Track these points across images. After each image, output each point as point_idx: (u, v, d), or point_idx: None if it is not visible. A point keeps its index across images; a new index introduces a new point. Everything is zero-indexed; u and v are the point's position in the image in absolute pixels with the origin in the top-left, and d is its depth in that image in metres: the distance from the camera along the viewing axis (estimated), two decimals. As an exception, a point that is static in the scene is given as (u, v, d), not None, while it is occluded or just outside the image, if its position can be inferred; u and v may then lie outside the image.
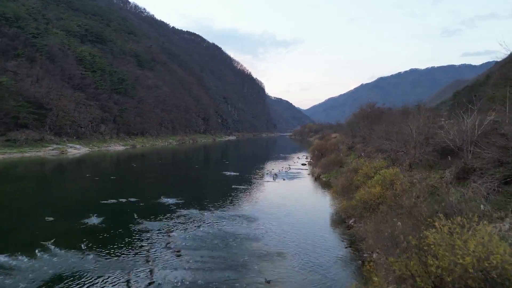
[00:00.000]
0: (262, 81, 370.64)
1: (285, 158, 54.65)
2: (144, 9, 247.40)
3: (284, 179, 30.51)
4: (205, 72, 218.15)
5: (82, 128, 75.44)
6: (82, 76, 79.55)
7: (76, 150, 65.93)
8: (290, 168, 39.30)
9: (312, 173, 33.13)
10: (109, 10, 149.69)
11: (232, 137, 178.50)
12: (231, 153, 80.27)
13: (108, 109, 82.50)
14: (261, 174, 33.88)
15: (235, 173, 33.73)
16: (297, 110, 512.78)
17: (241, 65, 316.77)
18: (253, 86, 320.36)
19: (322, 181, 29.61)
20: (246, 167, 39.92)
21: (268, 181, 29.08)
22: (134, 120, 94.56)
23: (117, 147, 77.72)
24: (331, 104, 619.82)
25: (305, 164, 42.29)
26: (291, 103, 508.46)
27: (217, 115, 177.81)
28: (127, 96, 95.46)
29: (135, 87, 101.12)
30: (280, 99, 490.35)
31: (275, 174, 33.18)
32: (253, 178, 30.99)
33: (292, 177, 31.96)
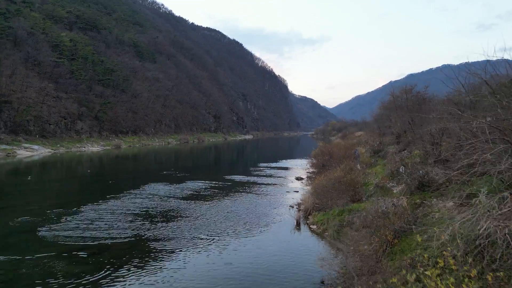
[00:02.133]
0: (287, 79, 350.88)
1: (284, 166, 38.02)
2: (162, 5, 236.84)
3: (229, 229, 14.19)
4: (222, 68, 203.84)
5: (50, 125, 61.97)
6: (55, 64, 66.15)
7: (31, 152, 52.26)
8: (273, 188, 22.81)
9: (298, 206, 16.58)
10: (118, 2, 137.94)
11: (248, 136, 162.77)
12: (225, 156, 64.27)
13: (87, 103, 68.78)
14: (206, 205, 17.80)
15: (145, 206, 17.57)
16: (323, 109, 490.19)
17: (263, 62, 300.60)
18: (275, 84, 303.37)
19: (310, 229, 13.18)
20: (199, 184, 23.89)
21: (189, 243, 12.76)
22: (125, 116, 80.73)
23: (93, 148, 63.84)
24: (358, 102, 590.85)
25: (301, 179, 25.53)
26: (316, 101, 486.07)
27: (232, 113, 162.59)
28: (117, 89, 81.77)
29: (129, 79, 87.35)
30: (305, 97, 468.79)
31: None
32: (167, 218, 14.90)
33: (259, 216, 15.54)
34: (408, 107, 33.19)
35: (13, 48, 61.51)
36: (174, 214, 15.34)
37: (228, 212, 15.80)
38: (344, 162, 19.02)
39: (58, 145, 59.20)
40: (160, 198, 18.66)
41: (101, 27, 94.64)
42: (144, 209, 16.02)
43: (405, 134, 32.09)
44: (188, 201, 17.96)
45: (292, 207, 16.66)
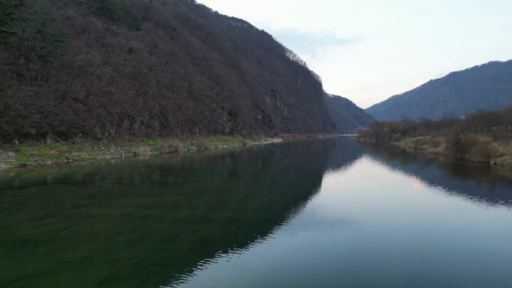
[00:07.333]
0: (320, 77, 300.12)
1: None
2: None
3: None
4: (248, 59, 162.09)
5: None
6: None
7: None
8: None
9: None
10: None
11: (276, 140, 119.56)
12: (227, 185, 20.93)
13: None
14: None
15: None
16: (358, 109, 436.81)
17: (295, 55, 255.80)
18: (308, 80, 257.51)
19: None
20: None
21: None
22: (50, 107, 40.33)
23: None
24: (395, 102, 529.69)
25: None
26: (351, 101, 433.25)
27: (257, 109, 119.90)
28: (30, 60, 41.75)
29: (63, 41, 46.93)
30: (339, 96, 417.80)
31: None
32: None
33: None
34: None
35: None
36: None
37: None
38: None
39: None
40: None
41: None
42: None
43: None
44: None
45: None
